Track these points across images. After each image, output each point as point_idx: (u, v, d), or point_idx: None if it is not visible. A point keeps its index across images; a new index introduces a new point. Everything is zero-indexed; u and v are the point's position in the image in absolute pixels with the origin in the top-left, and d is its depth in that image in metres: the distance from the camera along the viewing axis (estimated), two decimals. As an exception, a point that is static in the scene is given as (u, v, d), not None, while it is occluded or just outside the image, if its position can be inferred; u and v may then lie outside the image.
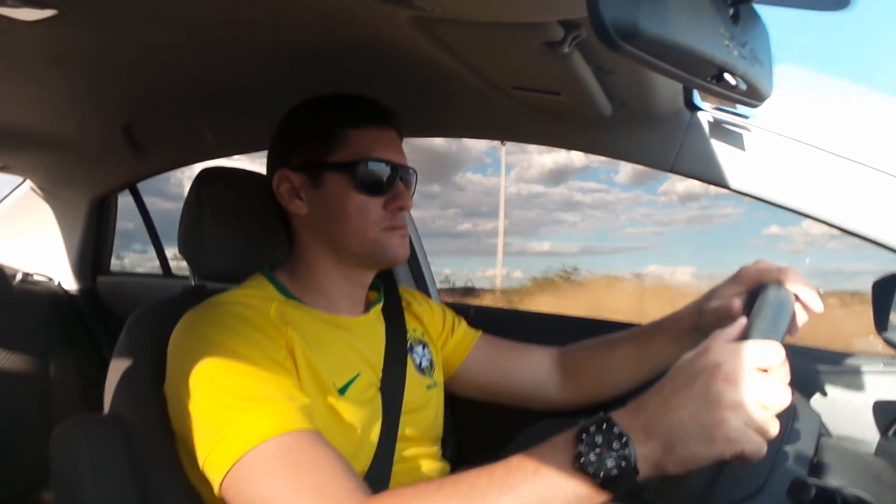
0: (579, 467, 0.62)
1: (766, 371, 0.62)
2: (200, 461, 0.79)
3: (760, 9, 0.57)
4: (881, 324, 0.96)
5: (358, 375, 0.96)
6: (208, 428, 0.78)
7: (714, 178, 1.11)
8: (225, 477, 0.76)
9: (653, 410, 0.63)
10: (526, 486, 0.64)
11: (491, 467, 0.68)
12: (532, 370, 1.19)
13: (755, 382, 0.61)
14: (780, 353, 0.63)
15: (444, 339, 1.21)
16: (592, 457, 0.62)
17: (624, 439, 0.61)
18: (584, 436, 0.63)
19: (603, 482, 0.61)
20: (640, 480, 0.62)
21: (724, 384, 0.61)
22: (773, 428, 0.61)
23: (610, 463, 0.61)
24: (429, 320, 1.20)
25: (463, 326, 1.24)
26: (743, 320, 0.71)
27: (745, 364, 0.62)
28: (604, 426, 0.63)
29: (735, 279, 0.96)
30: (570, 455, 0.63)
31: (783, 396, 0.61)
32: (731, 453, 0.60)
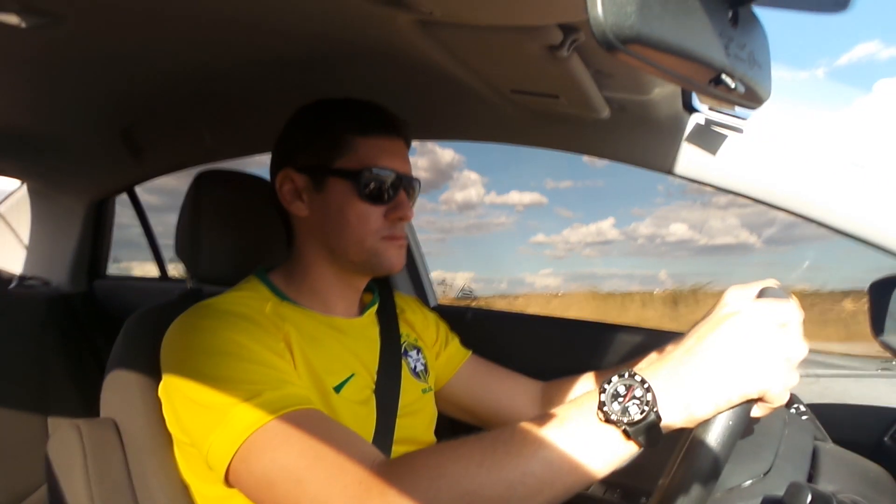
0: (603, 416, 0.62)
1: (783, 326, 0.64)
2: (204, 449, 0.77)
3: (759, 11, 0.58)
4: (878, 327, 0.96)
5: (352, 376, 0.95)
6: (210, 414, 0.77)
7: (712, 179, 1.11)
8: (233, 458, 0.74)
9: (677, 358, 0.64)
10: (550, 438, 0.64)
11: (513, 425, 0.68)
12: (515, 399, 1.18)
13: (776, 334, 0.63)
14: (795, 310, 0.65)
15: (437, 350, 1.20)
16: (616, 406, 0.62)
17: (646, 385, 0.62)
18: (605, 387, 0.63)
19: (628, 429, 0.61)
20: (670, 430, 0.62)
21: (748, 329, 0.63)
22: (794, 377, 0.63)
23: (633, 410, 0.61)
24: (422, 328, 1.19)
25: (455, 343, 1.24)
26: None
27: (766, 316, 0.64)
28: (625, 376, 0.63)
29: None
30: (593, 407, 0.64)
31: (802, 347, 0.63)
32: (758, 391, 0.61)
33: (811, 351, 0.66)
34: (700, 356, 0.63)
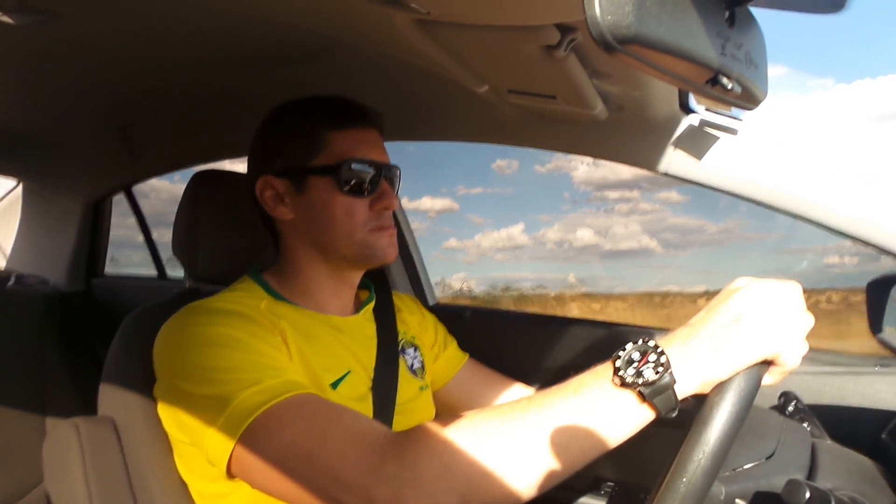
0: (619, 381, 0.64)
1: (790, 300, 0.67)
2: (205, 442, 0.76)
3: (756, 11, 0.58)
4: (875, 325, 0.96)
5: (348, 373, 0.95)
6: (210, 405, 0.76)
7: (709, 180, 1.12)
8: (237, 445, 0.73)
9: (691, 326, 0.66)
10: (567, 405, 0.65)
11: (529, 396, 0.69)
12: None
13: (784, 303, 0.65)
14: (798, 288, 0.67)
15: (436, 353, 1.20)
16: (631, 370, 0.63)
17: (660, 350, 0.64)
18: (620, 353, 0.65)
19: (643, 391, 0.63)
20: (686, 398, 0.63)
21: (758, 297, 0.65)
22: (804, 345, 0.65)
23: (648, 372, 0.63)
24: (420, 329, 1.19)
25: (453, 346, 1.24)
26: None
27: (774, 288, 0.66)
28: (639, 342, 0.65)
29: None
30: (608, 373, 0.65)
31: (808, 319, 0.65)
32: (773, 352, 0.63)
33: (811, 349, 0.67)
34: (713, 323, 0.65)
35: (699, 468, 0.59)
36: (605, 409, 0.64)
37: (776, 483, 0.74)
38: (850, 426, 1.04)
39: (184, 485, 0.92)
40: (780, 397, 1.05)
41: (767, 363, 0.65)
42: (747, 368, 0.63)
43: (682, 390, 0.63)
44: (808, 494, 0.65)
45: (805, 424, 0.94)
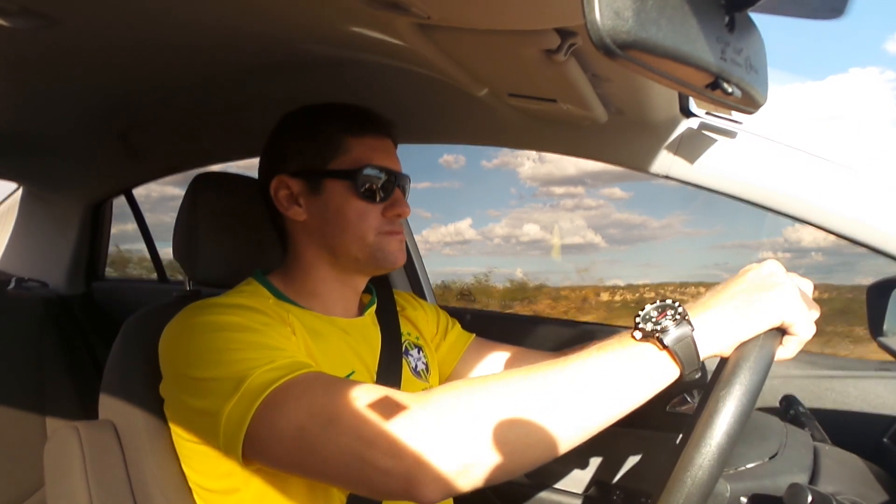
0: (639, 334, 0.67)
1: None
2: (220, 425, 0.75)
3: (756, 16, 0.58)
4: (876, 329, 0.96)
5: (352, 374, 0.95)
6: (224, 386, 0.75)
7: (709, 183, 1.12)
8: (252, 420, 0.72)
9: (706, 298, 0.70)
10: (589, 363, 0.68)
11: (551, 360, 0.71)
12: None
13: (798, 285, 0.70)
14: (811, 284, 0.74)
15: (437, 342, 1.20)
16: (650, 324, 0.67)
17: (678, 304, 0.68)
18: (640, 313, 0.69)
19: (662, 337, 0.65)
20: (704, 358, 0.66)
21: (767, 273, 0.70)
22: (814, 328, 0.69)
23: (666, 321, 0.66)
24: (423, 324, 1.20)
25: (457, 329, 1.24)
26: None
27: (783, 270, 0.71)
28: (656, 302, 0.69)
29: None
30: (629, 332, 0.69)
31: (817, 309, 0.71)
32: (790, 317, 0.66)
33: (810, 353, 0.67)
34: (726, 294, 0.69)
35: (725, 417, 0.60)
36: (624, 363, 0.67)
37: (780, 483, 0.74)
38: (851, 430, 1.04)
39: (185, 488, 0.91)
40: (781, 402, 1.05)
41: (782, 332, 0.67)
42: (764, 333, 0.65)
43: (703, 346, 0.65)
44: (810, 498, 0.65)
45: (806, 429, 0.94)
